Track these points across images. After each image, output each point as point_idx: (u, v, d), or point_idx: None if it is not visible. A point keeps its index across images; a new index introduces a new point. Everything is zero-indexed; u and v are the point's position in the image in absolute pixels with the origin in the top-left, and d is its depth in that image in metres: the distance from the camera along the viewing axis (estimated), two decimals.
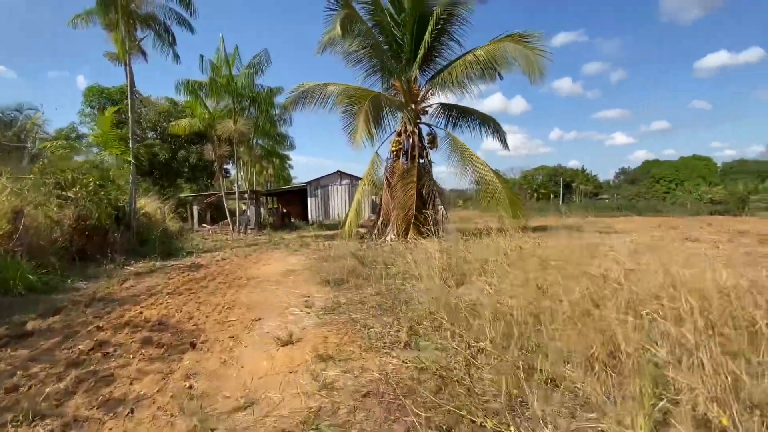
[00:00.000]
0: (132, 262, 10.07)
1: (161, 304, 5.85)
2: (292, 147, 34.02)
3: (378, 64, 13.27)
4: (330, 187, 25.25)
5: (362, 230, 14.93)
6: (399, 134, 13.18)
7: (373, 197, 13.20)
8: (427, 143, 13.47)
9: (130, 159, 11.29)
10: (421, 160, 13.20)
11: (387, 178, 13.22)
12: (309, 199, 25.00)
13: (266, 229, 20.26)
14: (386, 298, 5.42)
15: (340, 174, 25.34)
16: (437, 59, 12.93)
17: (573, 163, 75.74)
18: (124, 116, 19.91)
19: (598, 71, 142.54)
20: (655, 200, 49.81)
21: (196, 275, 8.13)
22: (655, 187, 63.32)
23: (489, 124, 14.89)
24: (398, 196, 12.61)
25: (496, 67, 11.08)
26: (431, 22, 11.68)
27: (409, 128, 13.03)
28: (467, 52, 11.79)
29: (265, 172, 41.34)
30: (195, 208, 19.61)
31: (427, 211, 12.90)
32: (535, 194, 64.61)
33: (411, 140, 13.00)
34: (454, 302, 4.77)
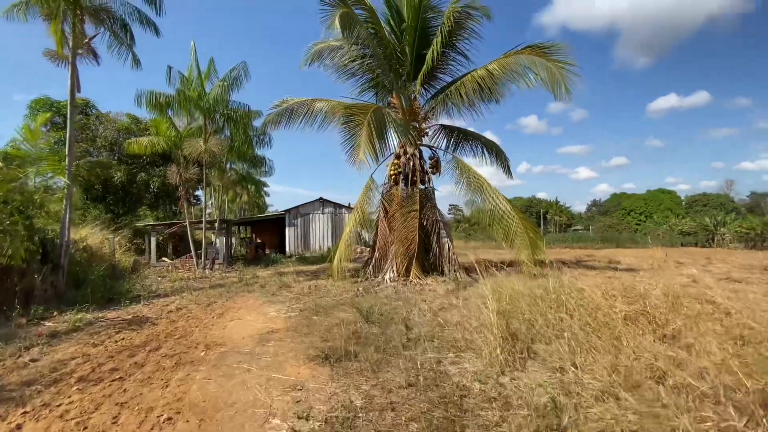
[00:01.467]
0: (54, 313, 7.61)
1: (59, 406, 3.61)
2: (269, 172, 32.05)
3: (376, 78, 11.77)
4: (311, 216, 23.12)
5: (351, 265, 12.86)
6: (398, 157, 11.51)
7: (359, 229, 11.27)
8: (429, 167, 11.85)
9: (65, 179, 8.96)
10: (423, 186, 11.52)
11: (384, 207, 11.39)
12: (287, 229, 22.73)
13: (237, 263, 17.77)
14: (427, 395, 3.42)
15: (323, 201, 23.34)
16: (441, 75, 11.56)
17: (542, 195, 77.97)
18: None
19: (561, 110, 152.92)
20: (630, 233, 50.49)
21: (135, 339, 5.82)
22: (626, 219, 64.96)
23: (492, 149, 13.56)
24: (397, 228, 10.76)
25: (512, 82, 9.76)
26: (437, 35, 10.35)
27: (410, 150, 11.40)
28: (477, 68, 10.46)
29: (238, 200, 38.84)
30: (153, 240, 16.99)
31: (432, 245, 11.13)
32: None
33: (411, 163, 11.34)
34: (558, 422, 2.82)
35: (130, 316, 7.52)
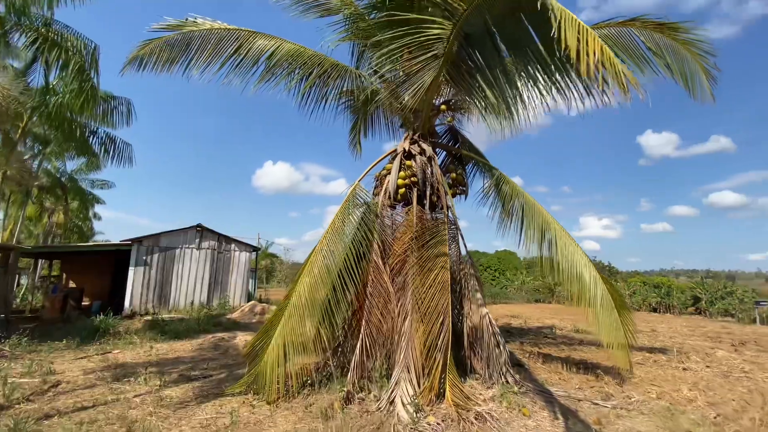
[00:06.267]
0: None
1: None
2: (107, 180, 22.13)
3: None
4: (178, 252, 15.09)
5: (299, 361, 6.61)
6: (408, 156, 6.54)
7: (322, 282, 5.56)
8: (450, 182, 7.15)
9: None
10: (443, 212, 6.66)
11: (378, 244, 6.02)
12: (132, 270, 14.17)
13: (17, 333, 9.01)
14: None
15: (201, 231, 15.64)
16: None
17: None
18: None
19: None
20: (494, 288, 54.65)
21: None
22: (484, 275, 71.53)
23: (494, 175, 9.84)
24: (413, 286, 5.51)
25: (623, 59, 6.21)
26: None
27: (426, 149, 6.57)
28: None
29: (46, 219, 26.12)
30: None
31: (464, 321, 6.17)
32: None
33: (430, 171, 6.48)
34: None
35: None
